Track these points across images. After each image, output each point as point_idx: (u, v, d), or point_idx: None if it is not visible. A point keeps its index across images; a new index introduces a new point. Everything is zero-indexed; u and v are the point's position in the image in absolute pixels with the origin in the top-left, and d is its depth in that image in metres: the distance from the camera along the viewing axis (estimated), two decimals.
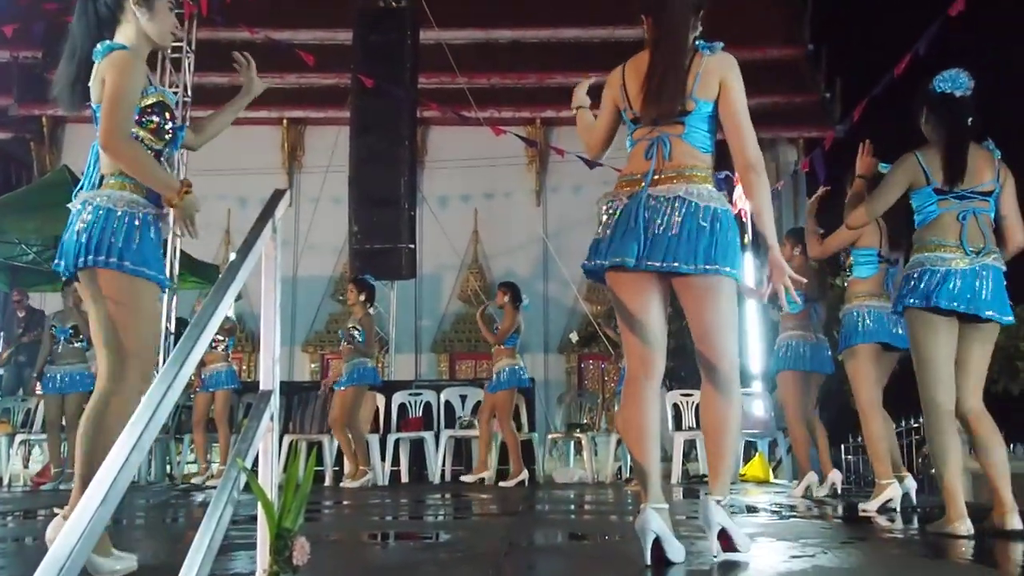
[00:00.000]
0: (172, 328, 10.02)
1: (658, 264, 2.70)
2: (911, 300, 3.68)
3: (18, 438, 8.87)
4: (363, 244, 11.20)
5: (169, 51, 11.03)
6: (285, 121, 16.09)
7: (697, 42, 2.88)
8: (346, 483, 7.70)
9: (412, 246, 11.43)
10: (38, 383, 8.91)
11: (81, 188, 2.86)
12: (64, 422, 7.87)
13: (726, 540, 2.69)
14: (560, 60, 16.11)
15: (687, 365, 10.87)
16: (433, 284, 15.57)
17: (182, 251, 10.49)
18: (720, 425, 2.79)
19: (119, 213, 2.74)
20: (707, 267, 2.68)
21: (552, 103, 15.88)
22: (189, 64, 11.08)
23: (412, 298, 14.42)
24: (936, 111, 3.85)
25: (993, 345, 3.79)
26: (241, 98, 3.24)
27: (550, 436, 9.55)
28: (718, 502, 2.69)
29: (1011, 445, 14.63)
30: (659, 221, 2.72)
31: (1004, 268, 3.73)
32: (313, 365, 15.73)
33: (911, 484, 4.92)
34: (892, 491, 4.74)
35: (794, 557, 2.88)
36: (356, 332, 7.81)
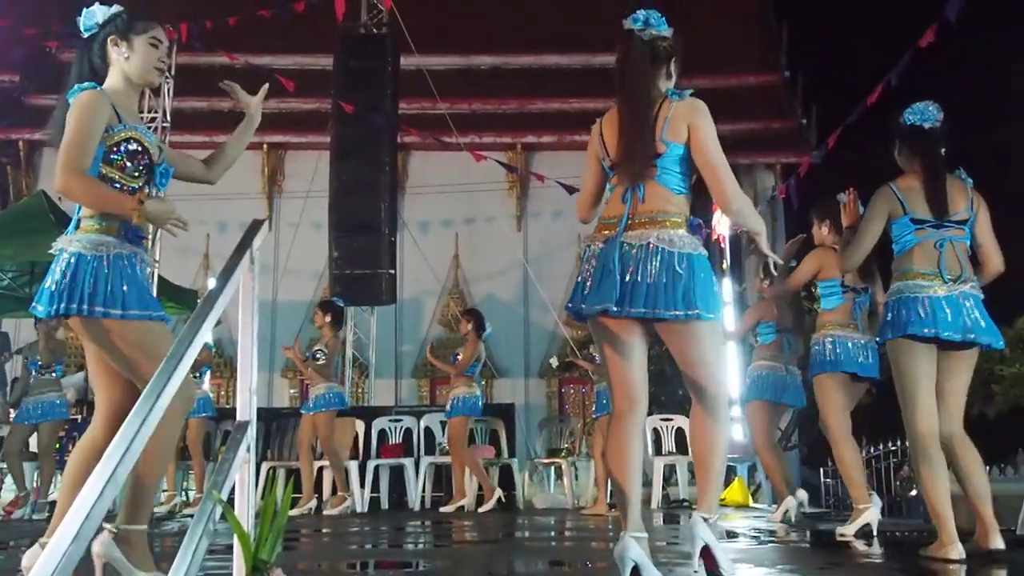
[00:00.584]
0: None
1: (640, 311, 2.77)
2: (891, 334, 3.75)
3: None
4: (343, 269, 11.17)
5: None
6: (265, 146, 16.04)
7: (668, 90, 2.97)
8: (326, 510, 7.65)
9: (392, 271, 11.41)
10: (12, 411, 8.84)
11: (66, 231, 2.87)
12: (38, 449, 7.87)
13: (709, 558, 2.68)
14: (541, 86, 16.20)
15: (666, 391, 10.90)
16: (414, 309, 15.51)
17: (160, 276, 10.42)
18: (708, 445, 2.83)
19: (88, 257, 2.74)
20: (687, 313, 2.75)
21: (533, 128, 15.97)
22: (168, 89, 11.09)
23: (392, 323, 14.35)
24: (908, 143, 3.94)
25: (972, 371, 3.83)
26: (247, 124, 3.22)
27: (530, 461, 9.52)
28: (704, 519, 2.70)
29: (988, 467, 14.81)
30: (634, 268, 2.80)
31: (982, 296, 3.78)
32: (292, 391, 15.62)
33: (876, 502, 4.94)
34: (869, 515, 4.76)
35: None
36: (320, 354, 7.77)
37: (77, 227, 2.81)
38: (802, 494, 6.06)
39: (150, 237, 10.41)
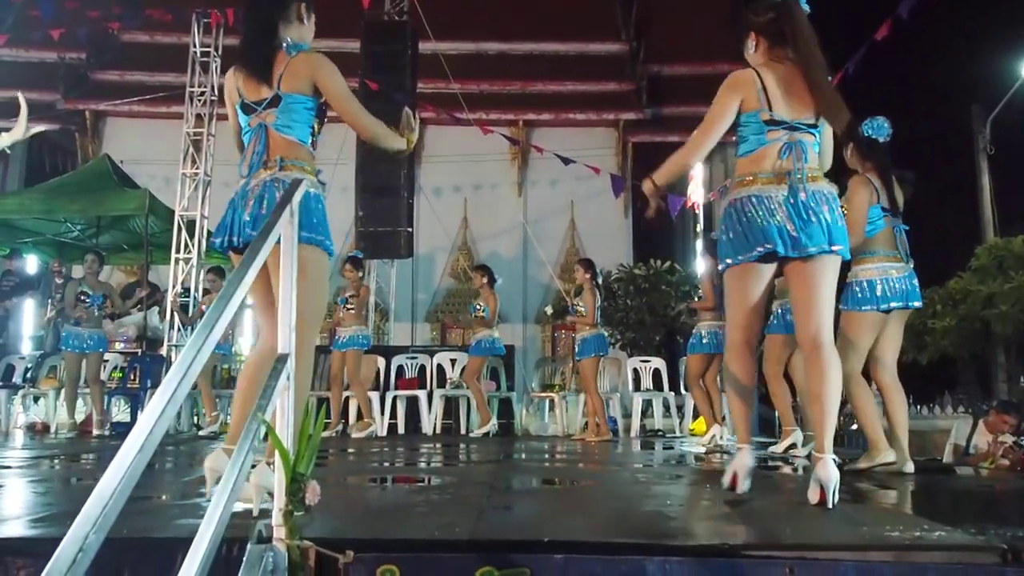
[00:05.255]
0: (200, 296, 9.96)
1: (815, 249, 2.72)
2: (866, 307, 3.98)
3: (63, 391, 8.80)
4: (367, 227, 11.16)
5: (199, 55, 10.91)
6: None
7: None
8: (352, 433, 7.73)
9: (410, 230, 11.37)
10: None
11: (251, 168, 2.74)
12: (88, 377, 7.95)
13: (823, 492, 2.55)
14: (540, 70, 15.99)
15: (645, 336, 10.93)
16: (427, 263, 15.50)
17: (210, 228, 10.39)
18: (816, 390, 2.70)
19: (311, 193, 2.70)
20: (833, 248, 2.74)
21: (533, 107, 15.79)
22: (216, 67, 10.98)
23: (409, 274, 14.40)
24: (862, 150, 4.04)
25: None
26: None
27: (527, 395, 9.59)
28: (832, 460, 2.59)
29: (918, 407, 14.88)
30: (810, 211, 2.72)
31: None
32: (322, 332, 15.67)
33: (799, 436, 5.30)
34: (795, 436, 5.17)
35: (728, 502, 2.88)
36: (351, 300, 7.81)
37: (280, 167, 2.71)
38: (716, 428, 6.23)
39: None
